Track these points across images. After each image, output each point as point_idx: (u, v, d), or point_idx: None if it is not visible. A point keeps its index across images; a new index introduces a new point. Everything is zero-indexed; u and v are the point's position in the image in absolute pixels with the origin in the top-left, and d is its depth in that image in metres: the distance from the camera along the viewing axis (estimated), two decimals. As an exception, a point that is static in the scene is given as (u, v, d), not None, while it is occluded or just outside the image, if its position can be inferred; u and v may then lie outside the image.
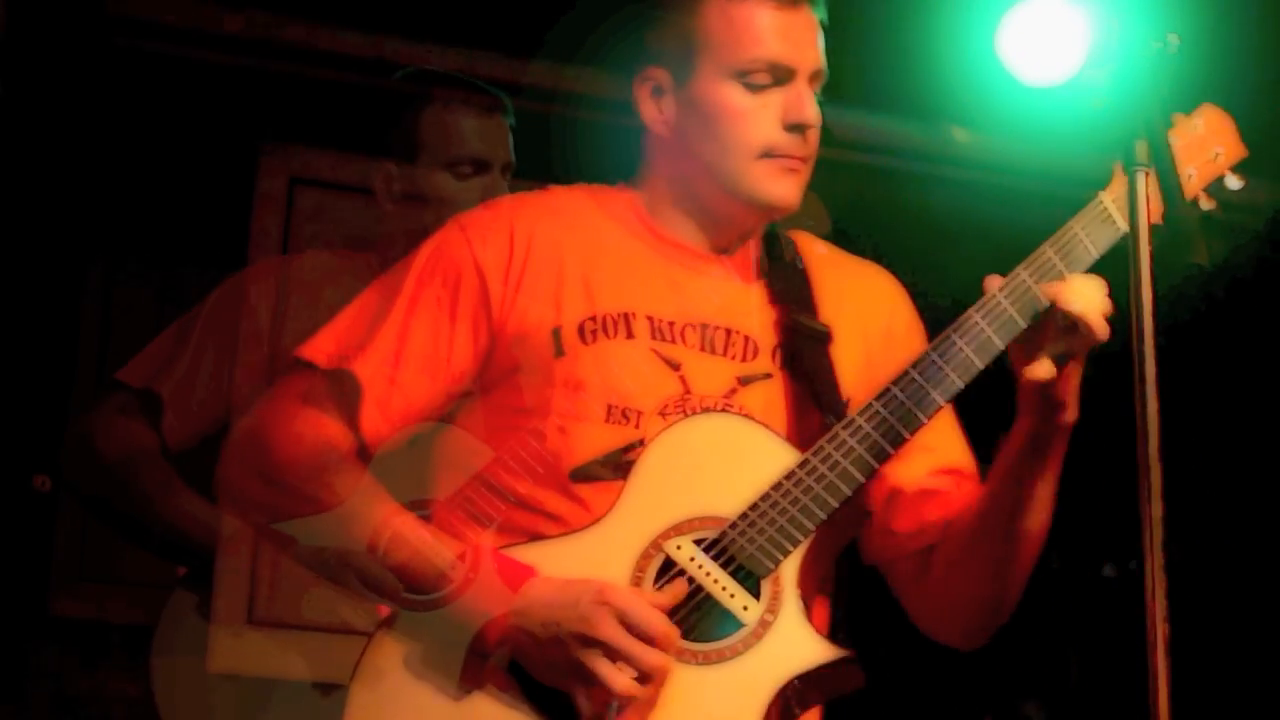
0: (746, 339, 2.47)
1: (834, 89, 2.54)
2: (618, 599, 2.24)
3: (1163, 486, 1.96)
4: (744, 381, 2.45)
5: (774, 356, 2.48)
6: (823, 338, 2.48)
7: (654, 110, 2.51)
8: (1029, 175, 4.88)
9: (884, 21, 4.14)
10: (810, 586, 2.36)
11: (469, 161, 3.47)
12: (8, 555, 4.31)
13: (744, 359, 2.46)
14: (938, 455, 2.50)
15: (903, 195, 4.86)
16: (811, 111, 2.44)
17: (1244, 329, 4.98)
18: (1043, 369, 2.29)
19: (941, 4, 4.16)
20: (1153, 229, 2.09)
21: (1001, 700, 5.12)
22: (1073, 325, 2.28)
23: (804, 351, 2.47)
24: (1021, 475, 2.36)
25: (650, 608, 2.25)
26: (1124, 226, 2.37)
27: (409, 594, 2.32)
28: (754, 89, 2.44)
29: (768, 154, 2.44)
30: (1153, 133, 2.06)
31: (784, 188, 2.46)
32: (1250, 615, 4.93)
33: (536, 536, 2.37)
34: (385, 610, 2.56)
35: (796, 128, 2.44)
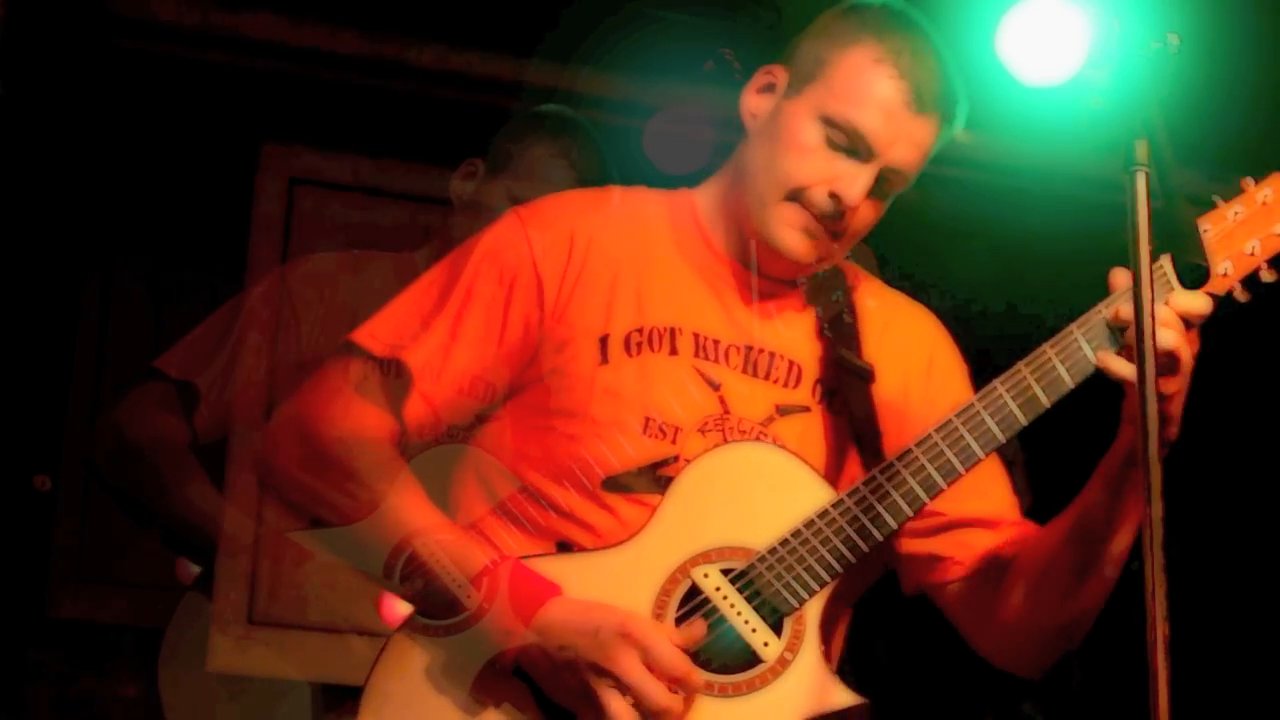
0: (791, 364, 2.47)
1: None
2: (641, 634, 2.22)
3: (1163, 486, 1.95)
4: (782, 411, 2.44)
5: (814, 390, 2.47)
6: (866, 376, 2.46)
7: (754, 100, 2.51)
8: (1029, 175, 4.87)
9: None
10: (829, 627, 2.35)
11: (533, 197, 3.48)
12: (7, 555, 4.30)
13: (786, 385, 2.46)
14: (982, 499, 2.48)
15: (902, 195, 4.85)
16: (858, 193, 2.39)
17: (1244, 329, 4.98)
18: (1114, 363, 2.23)
19: (941, 4, 4.15)
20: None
21: (1001, 700, 5.12)
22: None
23: (847, 389, 2.45)
24: (1118, 489, 2.30)
25: (673, 647, 2.24)
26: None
27: (422, 619, 2.32)
28: (829, 143, 2.41)
29: (794, 198, 2.41)
30: (1153, 133, 2.06)
31: (795, 240, 2.43)
32: (1250, 615, 4.92)
33: (566, 542, 2.37)
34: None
35: (835, 198, 2.40)
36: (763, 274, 2.50)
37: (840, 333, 2.49)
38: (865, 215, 2.45)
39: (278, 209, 4.37)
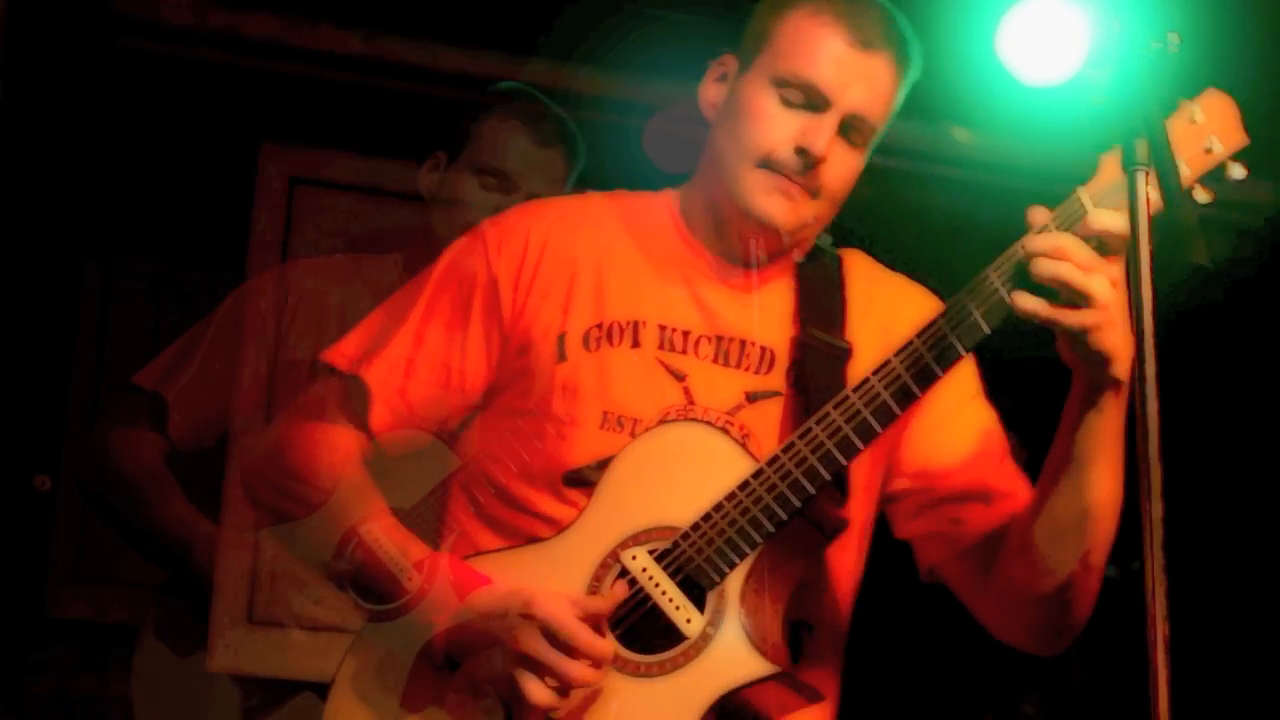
0: (763, 350, 2.46)
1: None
2: (542, 610, 2.23)
3: (1163, 486, 1.95)
4: (752, 398, 2.43)
5: (788, 375, 2.45)
6: (841, 355, 2.44)
7: (711, 92, 2.53)
8: (1029, 175, 4.87)
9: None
10: (763, 602, 2.31)
11: (495, 174, 3.47)
12: (7, 555, 4.31)
13: (758, 371, 2.45)
14: (971, 449, 2.46)
15: (903, 195, 4.85)
16: (823, 143, 2.39)
17: (1244, 329, 4.98)
18: (1029, 301, 2.18)
19: (941, 4, 4.15)
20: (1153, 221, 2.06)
21: (1001, 700, 5.12)
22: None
23: (818, 371, 2.43)
24: (1080, 445, 2.25)
25: (575, 621, 2.23)
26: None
27: (370, 604, 2.36)
28: (785, 103, 2.42)
29: (766, 164, 2.42)
30: (1153, 132, 2.05)
31: (772, 205, 2.43)
32: (1250, 615, 4.93)
33: (532, 538, 2.38)
34: None
35: (803, 152, 2.40)
36: (746, 260, 2.50)
37: (820, 315, 2.48)
38: (841, 168, 2.45)
39: (278, 209, 4.37)
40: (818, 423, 2.27)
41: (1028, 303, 2.18)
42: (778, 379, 2.45)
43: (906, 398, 2.26)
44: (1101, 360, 2.18)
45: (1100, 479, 2.27)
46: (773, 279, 2.52)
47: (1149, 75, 2.08)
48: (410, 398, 2.45)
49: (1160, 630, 1.91)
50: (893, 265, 2.69)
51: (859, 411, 2.26)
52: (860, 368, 2.39)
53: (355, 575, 2.36)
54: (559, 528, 2.37)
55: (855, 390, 2.28)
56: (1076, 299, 2.16)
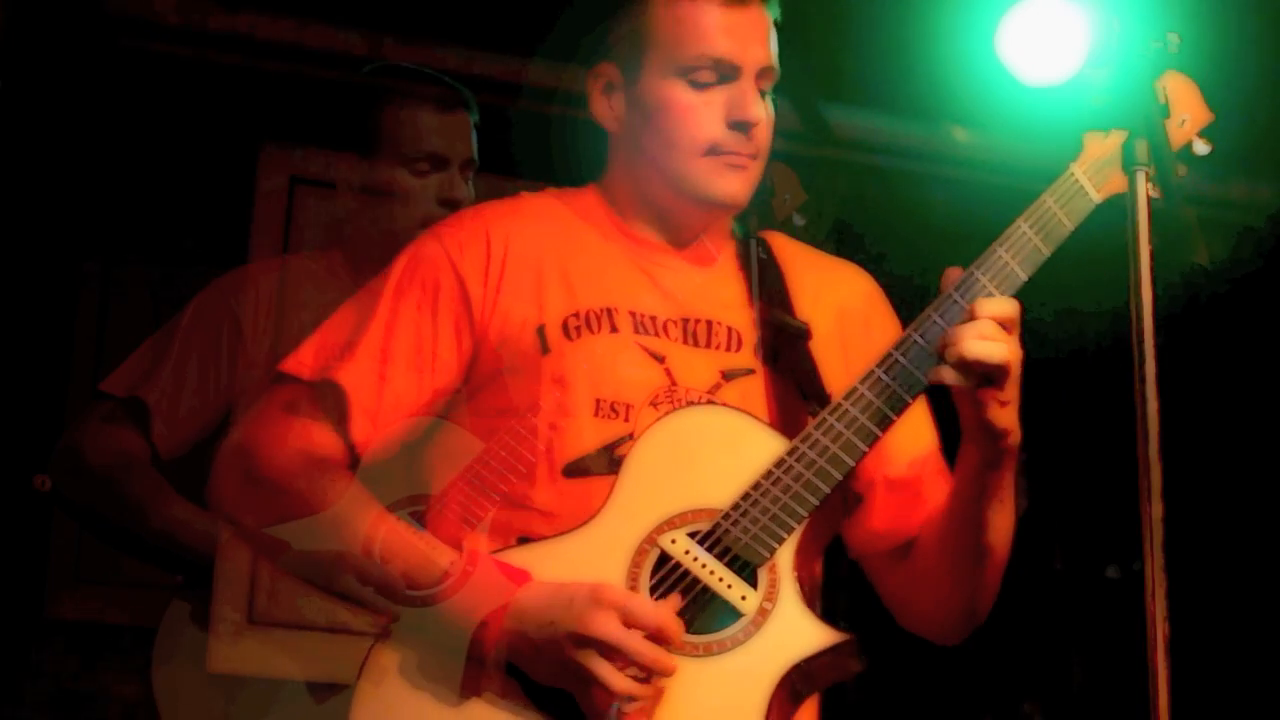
0: (730, 330, 2.49)
1: (834, 89, 2.54)
2: (614, 596, 2.24)
3: (1163, 486, 1.95)
4: (727, 376, 2.46)
5: (756, 352, 2.49)
6: (802, 335, 2.49)
7: (604, 107, 2.54)
8: (1029, 175, 4.86)
9: (884, 21, 4.14)
10: (806, 574, 2.36)
11: (426, 158, 3.46)
12: (7, 555, 4.30)
13: (728, 350, 2.48)
14: (910, 449, 2.52)
15: (903, 195, 4.85)
16: (755, 109, 2.45)
17: (1244, 329, 4.98)
18: (948, 374, 2.28)
19: (941, 4, 4.15)
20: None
21: (1001, 700, 5.12)
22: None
23: (785, 349, 2.48)
24: (977, 495, 2.37)
25: (649, 601, 2.25)
26: (1096, 197, 2.37)
27: (406, 591, 2.32)
28: (698, 86, 2.46)
29: (712, 151, 2.46)
30: (1153, 132, 2.06)
31: (729, 184, 2.47)
32: (1250, 615, 4.93)
33: (528, 535, 2.37)
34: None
35: (740, 125, 2.45)
36: (691, 244, 2.54)
37: (771, 296, 2.52)
38: (767, 123, 2.50)
39: (278, 209, 4.36)
40: (847, 399, 2.32)
41: (946, 376, 2.28)
42: (748, 357, 2.48)
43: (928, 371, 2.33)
44: (1003, 433, 2.30)
45: (997, 520, 2.39)
46: (720, 261, 2.57)
47: (1149, 75, 2.08)
48: (386, 397, 2.42)
49: (1160, 630, 1.91)
50: (893, 265, 2.70)
51: (889, 386, 2.32)
52: (819, 347, 2.49)
53: (385, 566, 2.33)
54: (559, 521, 2.36)
55: (879, 366, 2.33)
56: (995, 375, 2.26)
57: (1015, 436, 2.32)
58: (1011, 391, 2.29)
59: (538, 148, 3.64)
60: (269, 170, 4.33)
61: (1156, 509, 1.93)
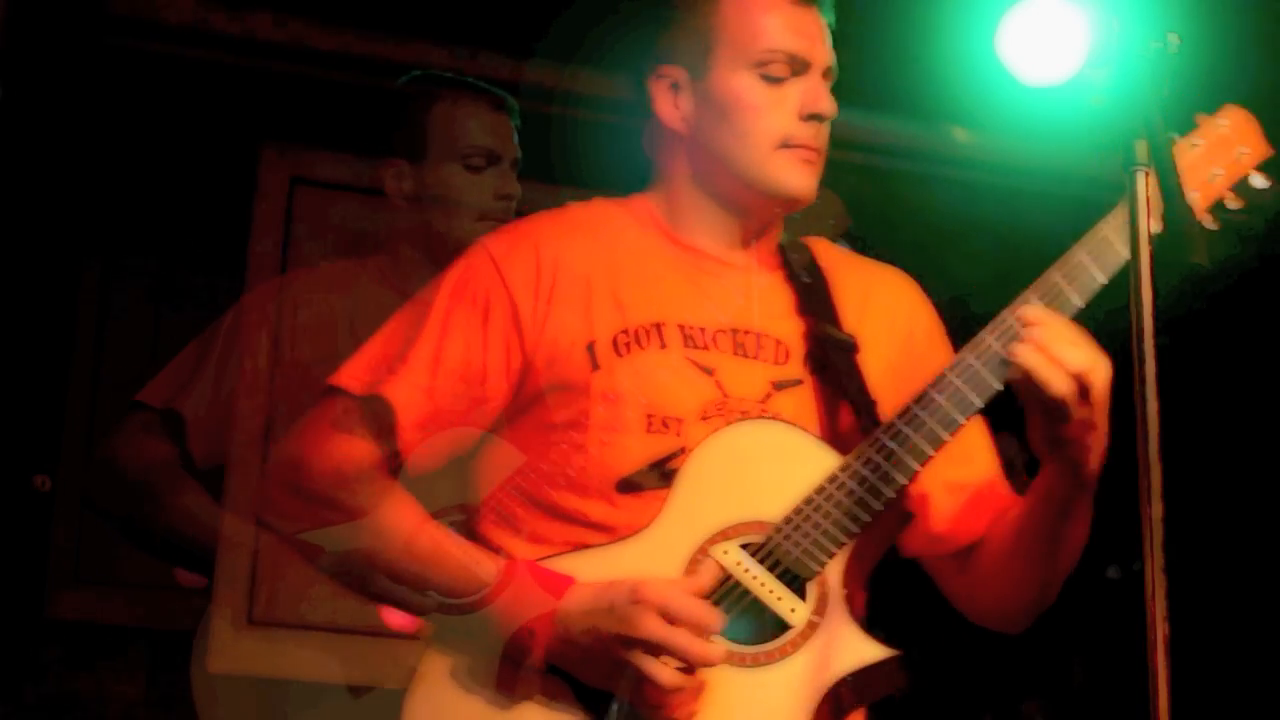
0: (778, 342, 2.49)
1: (834, 89, 2.55)
2: (654, 594, 2.25)
3: (1163, 486, 1.95)
4: (778, 387, 2.47)
5: (804, 363, 2.49)
6: (849, 348, 2.49)
7: (671, 107, 2.53)
8: (1029, 175, 4.88)
9: (884, 21, 4.14)
10: (855, 589, 2.38)
11: (481, 153, 3.47)
12: (7, 555, 4.30)
13: (776, 362, 2.48)
14: (968, 463, 2.52)
15: (903, 195, 4.86)
16: (827, 102, 2.48)
17: (1244, 329, 4.98)
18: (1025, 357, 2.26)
19: (941, 4, 4.15)
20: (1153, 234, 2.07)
21: (1001, 700, 5.12)
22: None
23: (832, 361, 2.48)
24: (1053, 510, 2.36)
25: (689, 596, 2.27)
26: (1125, 254, 2.36)
27: (445, 599, 2.35)
28: (772, 80, 2.47)
29: (785, 144, 2.47)
30: (1153, 133, 2.05)
31: (801, 178, 2.48)
32: (1250, 615, 4.93)
33: (581, 548, 2.39)
34: (403, 619, 2.57)
35: (814, 118, 2.47)
36: (735, 244, 2.54)
37: (817, 307, 2.53)
38: (834, 112, 2.52)
39: (278, 209, 4.36)
40: (900, 418, 2.33)
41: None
42: (796, 368, 2.49)
43: (983, 392, 2.32)
44: (1075, 460, 2.29)
45: (1072, 533, 2.39)
46: (767, 271, 2.57)
47: (1149, 75, 2.08)
48: (436, 411, 2.43)
49: (1160, 630, 1.91)
50: (894, 266, 2.69)
51: (942, 405, 2.32)
52: (866, 358, 2.48)
53: (427, 575, 2.36)
54: (613, 535, 2.38)
55: (932, 386, 2.33)
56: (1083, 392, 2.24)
57: (1089, 465, 2.30)
58: (1079, 419, 2.25)
59: (537, 147, 3.64)
60: (269, 170, 4.33)
61: (1156, 509, 1.93)
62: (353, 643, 3.53)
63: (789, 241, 2.61)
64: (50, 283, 4.42)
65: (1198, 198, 2.39)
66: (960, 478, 2.51)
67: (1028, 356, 2.22)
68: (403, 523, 2.39)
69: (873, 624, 2.53)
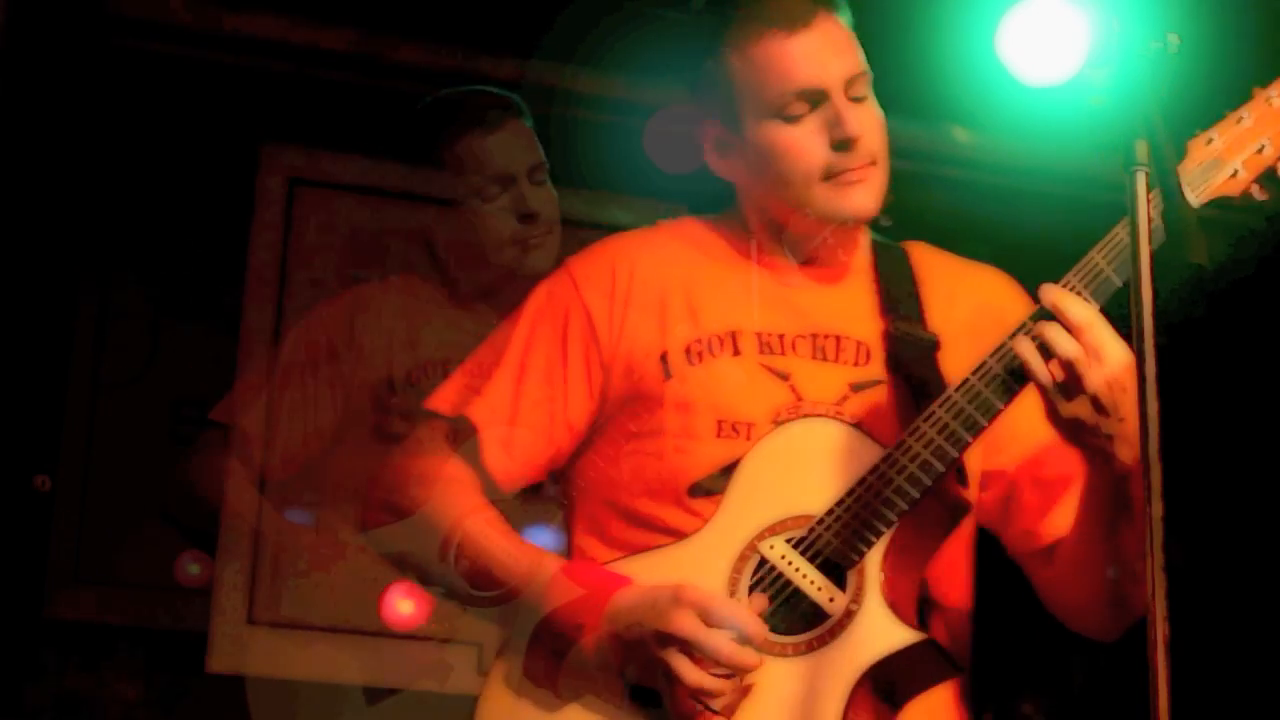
0: (858, 344, 2.55)
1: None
2: (696, 594, 2.31)
3: (1163, 486, 1.95)
4: (856, 388, 2.52)
5: (886, 364, 2.54)
6: (930, 346, 2.54)
7: (721, 164, 2.61)
8: (1029, 175, 4.88)
9: (884, 21, 4.14)
10: (899, 578, 2.40)
11: (492, 181, 3.50)
12: (7, 555, 4.30)
13: (857, 364, 2.54)
14: (1055, 459, 2.53)
15: (903, 195, 4.85)
16: (851, 125, 2.49)
17: (1244, 329, 4.98)
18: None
19: (941, 4, 4.15)
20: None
21: (1001, 700, 5.12)
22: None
23: (912, 360, 2.52)
24: (1098, 499, 2.40)
25: (729, 600, 2.34)
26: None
27: (475, 591, 2.44)
28: (793, 120, 2.51)
29: (827, 175, 2.51)
30: (1153, 133, 2.05)
31: (852, 201, 2.52)
32: (1250, 615, 4.93)
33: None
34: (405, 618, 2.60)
35: (842, 144, 2.49)
36: (810, 259, 2.60)
37: (901, 307, 2.57)
38: (871, 126, 2.53)
39: (278, 209, 4.37)
40: (940, 405, 2.36)
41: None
42: (877, 368, 2.54)
43: (1018, 380, 2.35)
44: (1101, 454, 2.34)
45: (1126, 520, 2.39)
46: (852, 273, 2.63)
47: (1149, 75, 2.08)
48: (519, 431, 2.54)
49: (1160, 630, 1.91)
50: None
51: (980, 392, 2.35)
52: (949, 356, 2.52)
53: (461, 573, 2.44)
54: (683, 538, 2.45)
55: (974, 373, 2.36)
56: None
57: (1122, 458, 2.32)
58: (1111, 416, 2.28)
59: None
60: (269, 170, 4.34)
61: (1156, 509, 1.93)
62: (352, 643, 3.54)
63: (880, 243, 2.66)
64: (50, 283, 4.42)
65: (1242, 168, 2.41)
66: (1048, 473, 2.55)
67: (1037, 376, 2.28)
68: (441, 520, 2.47)
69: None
